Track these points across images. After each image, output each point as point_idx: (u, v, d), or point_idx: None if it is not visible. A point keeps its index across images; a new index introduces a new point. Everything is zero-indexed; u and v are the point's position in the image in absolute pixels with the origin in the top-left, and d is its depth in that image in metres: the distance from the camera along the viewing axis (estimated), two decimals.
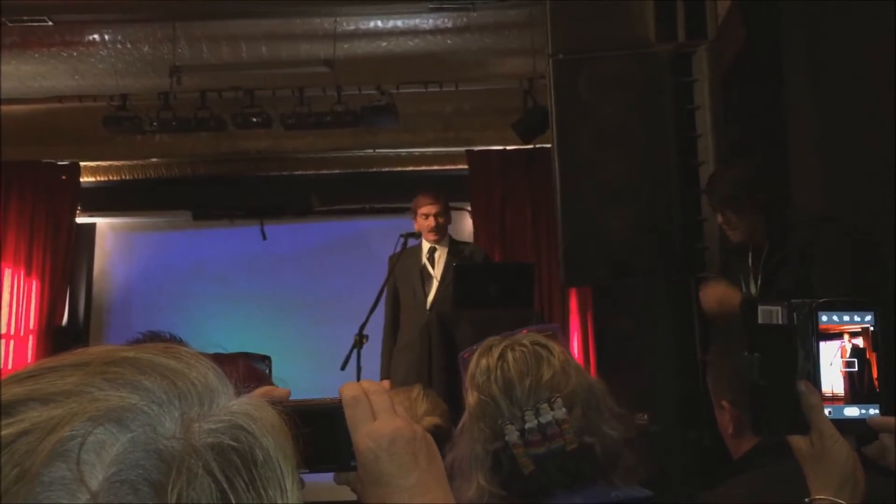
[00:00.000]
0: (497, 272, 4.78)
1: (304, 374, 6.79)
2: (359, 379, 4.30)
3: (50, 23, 5.34)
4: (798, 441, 1.21)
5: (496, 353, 1.43)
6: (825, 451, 1.19)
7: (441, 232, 4.86)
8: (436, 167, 6.86)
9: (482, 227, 6.68)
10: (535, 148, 6.17)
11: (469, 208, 6.70)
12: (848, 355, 1.23)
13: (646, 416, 3.37)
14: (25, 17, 5.25)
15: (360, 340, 4.34)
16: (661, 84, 3.63)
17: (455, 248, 4.93)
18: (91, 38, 5.72)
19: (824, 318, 1.22)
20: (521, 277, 4.50)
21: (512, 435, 1.35)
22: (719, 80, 3.64)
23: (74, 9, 5.28)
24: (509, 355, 1.42)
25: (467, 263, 4.76)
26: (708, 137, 3.55)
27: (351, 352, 4.36)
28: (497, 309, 4.16)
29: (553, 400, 1.36)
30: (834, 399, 1.23)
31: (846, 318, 1.23)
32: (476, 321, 3.98)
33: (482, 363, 1.43)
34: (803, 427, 1.20)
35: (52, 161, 6.86)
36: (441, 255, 4.86)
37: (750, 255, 3.09)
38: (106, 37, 5.72)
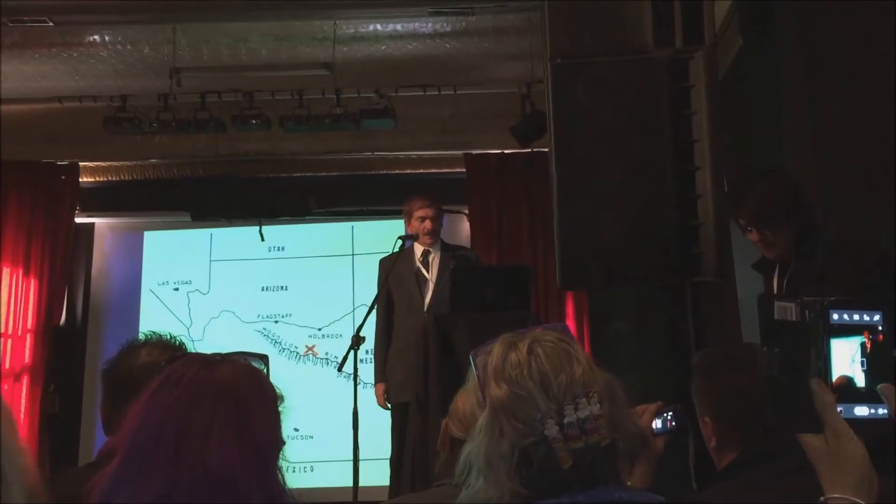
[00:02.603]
0: (494, 275, 4.78)
1: (302, 374, 6.85)
2: (355, 381, 4.32)
3: (50, 23, 5.36)
4: (812, 440, 1.19)
5: (523, 347, 1.41)
6: (842, 450, 1.16)
7: (436, 235, 4.88)
8: (433, 170, 6.87)
9: (479, 231, 6.68)
10: (532, 152, 6.19)
11: (466, 211, 6.72)
12: (859, 354, 1.22)
13: None
14: (26, 18, 5.27)
15: (356, 342, 4.35)
16: (658, 89, 3.64)
17: (449, 251, 4.94)
18: (91, 38, 5.74)
19: (835, 317, 1.22)
20: (519, 280, 4.51)
21: (552, 429, 1.34)
22: (716, 85, 3.66)
23: (75, 10, 5.30)
24: (539, 350, 1.40)
25: (465, 266, 4.77)
26: (704, 143, 3.56)
27: (348, 353, 4.38)
28: (494, 312, 4.17)
29: (591, 395, 1.36)
30: (844, 398, 1.21)
31: (856, 317, 1.23)
32: (473, 324, 3.99)
33: (511, 357, 1.40)
34: (816, 426, 1.18)
35: (52, 161, 6.87)
36: (435, 259, 4.87)
37: (777, 270, 3.07)
38: (106, 38, 5.74)
